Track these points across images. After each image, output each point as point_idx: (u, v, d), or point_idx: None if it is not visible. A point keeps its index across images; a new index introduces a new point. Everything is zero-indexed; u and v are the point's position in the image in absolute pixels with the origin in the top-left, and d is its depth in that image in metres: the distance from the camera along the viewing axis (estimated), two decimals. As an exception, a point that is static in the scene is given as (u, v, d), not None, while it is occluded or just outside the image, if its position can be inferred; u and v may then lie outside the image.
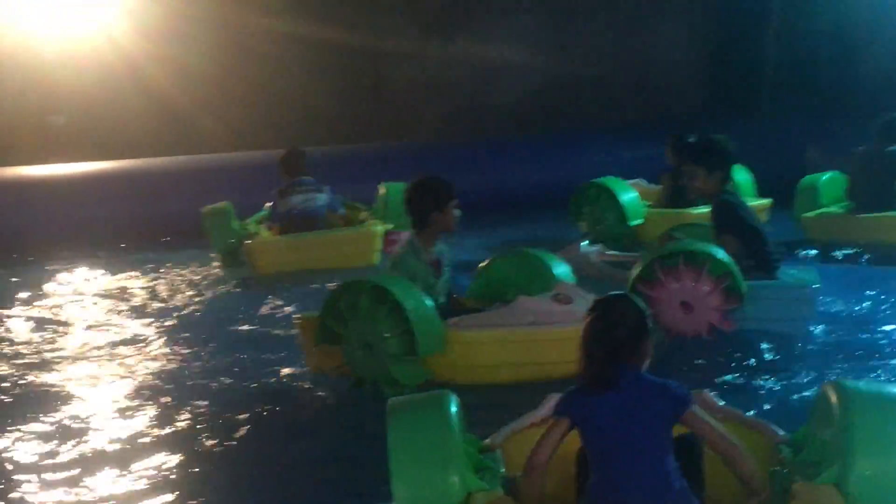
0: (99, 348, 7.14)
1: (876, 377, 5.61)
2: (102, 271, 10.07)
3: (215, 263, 9.91)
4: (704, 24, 15.91)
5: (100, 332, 7.61)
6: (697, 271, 6.06)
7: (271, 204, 9.73)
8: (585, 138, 13.91)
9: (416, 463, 3.14)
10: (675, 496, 3.24)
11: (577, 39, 15.77)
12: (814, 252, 8.70)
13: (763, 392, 5.44)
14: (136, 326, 7.72)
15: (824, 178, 9.82)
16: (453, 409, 3.32)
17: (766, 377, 5.63)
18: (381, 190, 10.03)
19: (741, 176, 9.61)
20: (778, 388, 5.49)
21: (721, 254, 6.14)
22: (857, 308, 7.07)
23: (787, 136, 13.10)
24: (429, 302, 5.66)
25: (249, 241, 9.41)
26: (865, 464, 3.02)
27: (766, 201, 9.78)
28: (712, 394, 3.94)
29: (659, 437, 3.30)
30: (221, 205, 9.76)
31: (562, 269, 6.37)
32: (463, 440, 3.29)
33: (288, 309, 7.92)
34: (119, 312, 8.25)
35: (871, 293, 7.40)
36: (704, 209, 8.39)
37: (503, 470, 3.44)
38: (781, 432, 3.61)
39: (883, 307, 7.07)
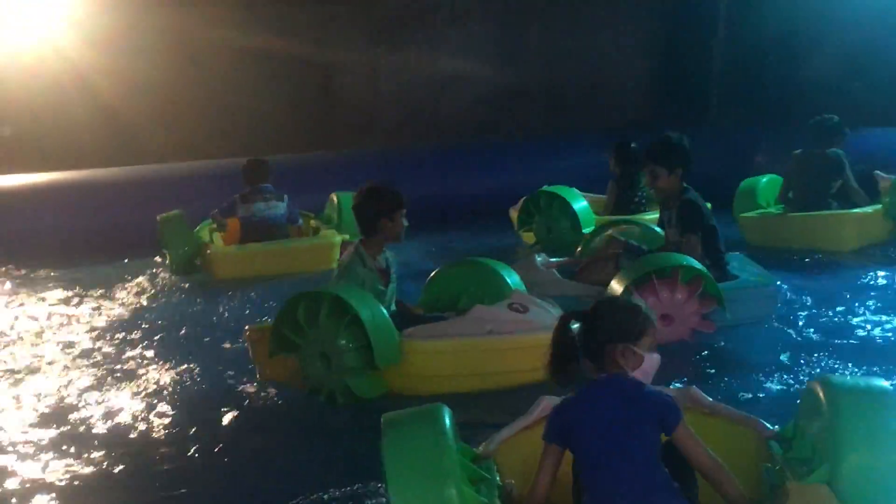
0: (47, 360, 7.04)
1: (850, 370, 5.76)
2: (50, 283, 9.90)
3: (166, 272, 9.84)
4: (653, 33, 16.03)
5: (48, 344, 7.51)
6: (672, 282, 6.10)
7: (226, 205, 9.79)
8: (535, 146, 13.91)
9: (413, 478, 3.12)
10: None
11: (527, 48, 15.82)
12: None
13: (739, 389, 5.54)
14: (84, 338, 7.62)
15: (763, 180, 9.99)
16: (447, 421, 3.31)
17: (736, 376, 5.75)
18: (334, 199, 10.12)
19: None
20: (751, 385, 5.61)
21: (687, 260, 6.20)
22: (811, 304, 7.26)
23: (735, 142, 13.22)
24: (384, 312, 5.65)
25: (212, 251, 9.49)
26: (855, 461, 3.04)
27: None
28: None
29: (645, 445, 3.29)
30: (175, 212, 9.81)
31: (514, 278, 6.38)
32: (458, 451, 3.28)
33: (244, 315, 7.93)
34: (67, 324, 8.15)
35: (818, 291, 7.62)
36: (652, 215, 8.47)
37: (499, 479, 3.44)
38: (770, 427, 3.63)
39: (833, 303, 7.26)
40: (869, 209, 9.14)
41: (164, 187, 12.21)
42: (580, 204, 9.49)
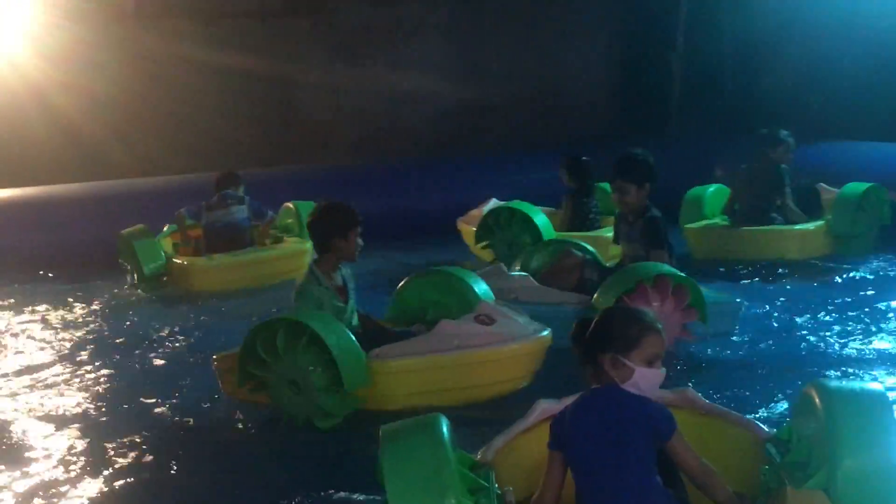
0: (3, 380, 6.96)
1: (830, 375, 5.86)
2: (11, 303, 9.75)
3: (129, 288, 9.78)
4: (612, 46, 16.14)
5: (4, 364, 7.40)
6: (663, 292, 6.13)
7: (195, 208, 9.86)
8: (496, 161, 13.89)
9: (412, 492, 3.12)
10: None
11: (487, 62, 15.88)
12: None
13: (728, 395, 5.60)
14: (43, 355, 7.55)
15: (710, 190, 10.03)
16: (445, 432, 3.31)
17: (724, 382, 5.84)
18: (290, 206, 10.22)
19: None
20: (738, 391, 5.70)
21: (674, 270, 6.26)
22: (772, 314, 7.43)
23: (693, 153, 13.24)
24: (351, 336, 5.57)
25: (186, 263, 9.52)
26: (850, 466, 3.05)
27: None
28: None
29: (638, 455, 3.30)
30: (140, 227, 9.81)
31: (482, 287, 6.33)
32: (456, 460, 3.28)
33: (212, 330, 7.93)
34: (28, 344, 8.04)
35: (777, 301, 7.77)
36: (608, 232, 8.47)
37: (497, 486, 3.44)
38: (766, 429, 3.65)
39: (794, 311, 7.43)
40: (811, 226, 9.27)
41: (125, 203, 12.11)
42: (541, 218, 9.46)
